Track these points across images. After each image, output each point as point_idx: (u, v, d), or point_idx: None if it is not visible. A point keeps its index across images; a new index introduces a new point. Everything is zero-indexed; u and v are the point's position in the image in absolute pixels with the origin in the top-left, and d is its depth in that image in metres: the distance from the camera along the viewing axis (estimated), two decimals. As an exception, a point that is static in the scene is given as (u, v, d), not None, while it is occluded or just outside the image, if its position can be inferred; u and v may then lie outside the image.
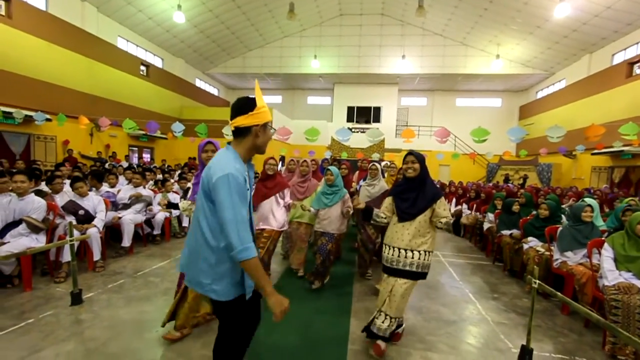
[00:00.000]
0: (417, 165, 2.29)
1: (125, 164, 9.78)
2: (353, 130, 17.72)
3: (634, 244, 2.70)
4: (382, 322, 2.33)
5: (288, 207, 3.41)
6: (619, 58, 12.20)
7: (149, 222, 5.07)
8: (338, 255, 4.44)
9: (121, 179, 5.96)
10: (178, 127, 7.91)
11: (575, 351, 2.55)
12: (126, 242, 4.40)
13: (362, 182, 3.98)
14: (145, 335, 2.47)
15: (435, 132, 7.44)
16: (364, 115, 19.76)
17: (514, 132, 5.65)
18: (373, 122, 19.59)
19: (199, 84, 18.96)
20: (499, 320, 3.04)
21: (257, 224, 3.29)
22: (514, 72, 16.55)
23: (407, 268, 2.32)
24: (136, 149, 13.73)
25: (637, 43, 11.45)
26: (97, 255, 3.76)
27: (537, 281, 2.33)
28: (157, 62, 15.16)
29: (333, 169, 3.50)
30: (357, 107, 19.81)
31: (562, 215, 4.24)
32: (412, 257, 2.30)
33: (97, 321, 2.62)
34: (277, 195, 3.30)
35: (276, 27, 17.07)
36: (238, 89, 22.38)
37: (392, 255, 2.35)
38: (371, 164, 3.71)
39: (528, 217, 4.42)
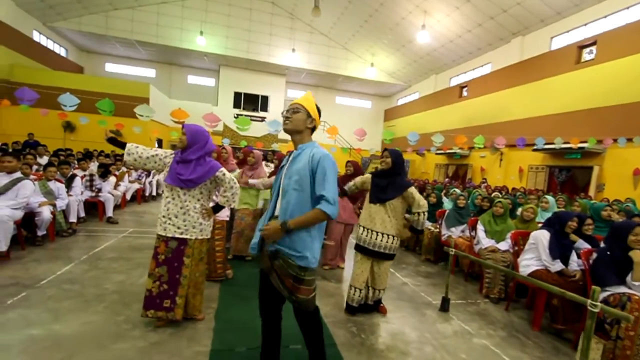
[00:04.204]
0: (389, 160, 2.78)
1: None
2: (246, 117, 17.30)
3: (495, 222, 3.99)
4: (373, 294, 2.93)
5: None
6: (455, 81, 16.12)
7: (26, 220, 3.96)
8: None
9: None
10: (70, 100, 5.29)
11: (465, 297, 3.63)
12: (2, 245, 3.38)
13: None
14: (114, 346, 2.14)
15: (355, 131, 8.38)
16: (252, 102, 19.50)
17: (412, 136, 7.07)
18: (261, 110, 19.57)
19: (39, 38, 14.68)
20: (414, 283, 3.94)
21: None
22: (383, 80, 19.52)
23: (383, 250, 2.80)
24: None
25: (465, 72, 15.43)
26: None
27: (454, 250, 3.21)
28: (-29, -3, 10.98)
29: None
30: (245, 94, 19.37)
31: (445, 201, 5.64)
32: (382, 240, 2.77)
33: (32, 344, 2.09)
34: None
35: (154, -11, 14.87)
36: (96, 53, 18.37)
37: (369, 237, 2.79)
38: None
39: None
